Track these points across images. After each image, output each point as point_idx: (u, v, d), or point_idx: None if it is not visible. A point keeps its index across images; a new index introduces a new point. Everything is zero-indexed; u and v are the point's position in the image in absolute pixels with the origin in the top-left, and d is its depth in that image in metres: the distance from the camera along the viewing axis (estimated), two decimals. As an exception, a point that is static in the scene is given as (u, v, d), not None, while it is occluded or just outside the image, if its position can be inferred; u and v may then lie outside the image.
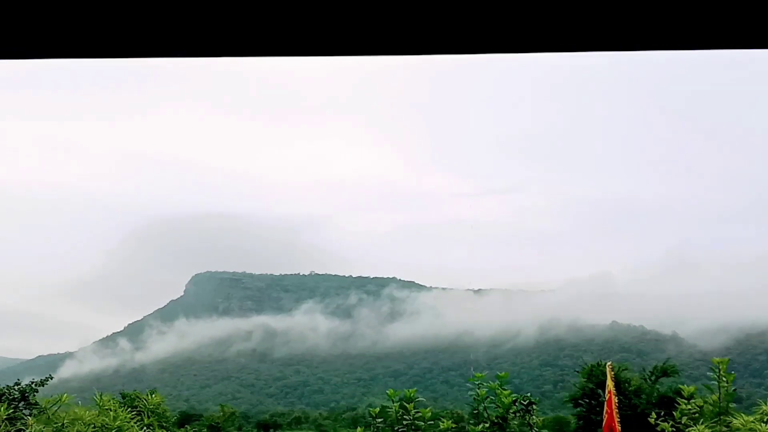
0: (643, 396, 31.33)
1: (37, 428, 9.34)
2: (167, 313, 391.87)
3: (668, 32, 2.28)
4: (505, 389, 11.69)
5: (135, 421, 9.49)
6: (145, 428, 9.51)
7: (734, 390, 9.84)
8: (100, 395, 9.66)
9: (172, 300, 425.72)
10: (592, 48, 2.40)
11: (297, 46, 2.37)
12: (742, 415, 8.69)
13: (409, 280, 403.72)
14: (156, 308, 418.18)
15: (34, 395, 26.60)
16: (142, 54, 2.42)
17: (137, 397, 15.33)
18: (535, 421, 11.70)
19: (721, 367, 9.71)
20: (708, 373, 9.91)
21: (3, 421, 9.38)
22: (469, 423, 11.59)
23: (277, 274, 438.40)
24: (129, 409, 9.68)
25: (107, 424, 9.14)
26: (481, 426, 11.29)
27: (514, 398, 11.71)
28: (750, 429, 8.09)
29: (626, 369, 35.04)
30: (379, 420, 11.75)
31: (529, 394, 12.16)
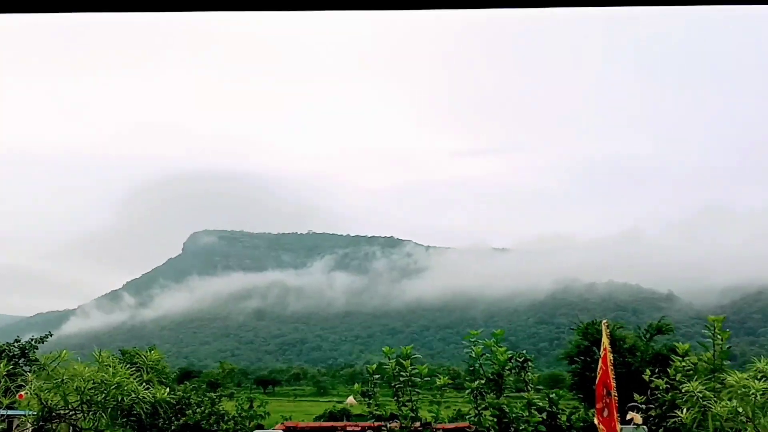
0: (638, 354, 31.63)
1: (37, 384, 9.41)
2: (166, 271, 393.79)
3: None
4: (500, 347, 11.77)
5: (134, 377, 9.55)
6: (144, 384, 9.59)
7: (729, 348, 9.90)
8: (99, 351, 9.71)
9: (171, 258, 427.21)
10: (596, 3, 2.35)
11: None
12: (736, 372, 8.76)
13: (406, 239, 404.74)
14: (155, 266, 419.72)
15: (34, 352, 26.84)
16: (149, 8, 2.36)
17: (136, 353, 15.46)
18: (530, 377, 11.82)
19: (716, 325, 9.75)
20: (703, 331, 9.96)
21: (3, 377, 9.44)
22: (465, 379, 11.69)
23: (275, 233, 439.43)
24: (128, 366, 9.73)
25: (106, 380, 9.20)
26: (476, 382, 11.39)
27: (509, 355, 11.79)
28: (743, 386, 8.15)
29: (621, 327, 35.27)
30: (376, 376, 11.85)
31: (524, 352, 12.25)
